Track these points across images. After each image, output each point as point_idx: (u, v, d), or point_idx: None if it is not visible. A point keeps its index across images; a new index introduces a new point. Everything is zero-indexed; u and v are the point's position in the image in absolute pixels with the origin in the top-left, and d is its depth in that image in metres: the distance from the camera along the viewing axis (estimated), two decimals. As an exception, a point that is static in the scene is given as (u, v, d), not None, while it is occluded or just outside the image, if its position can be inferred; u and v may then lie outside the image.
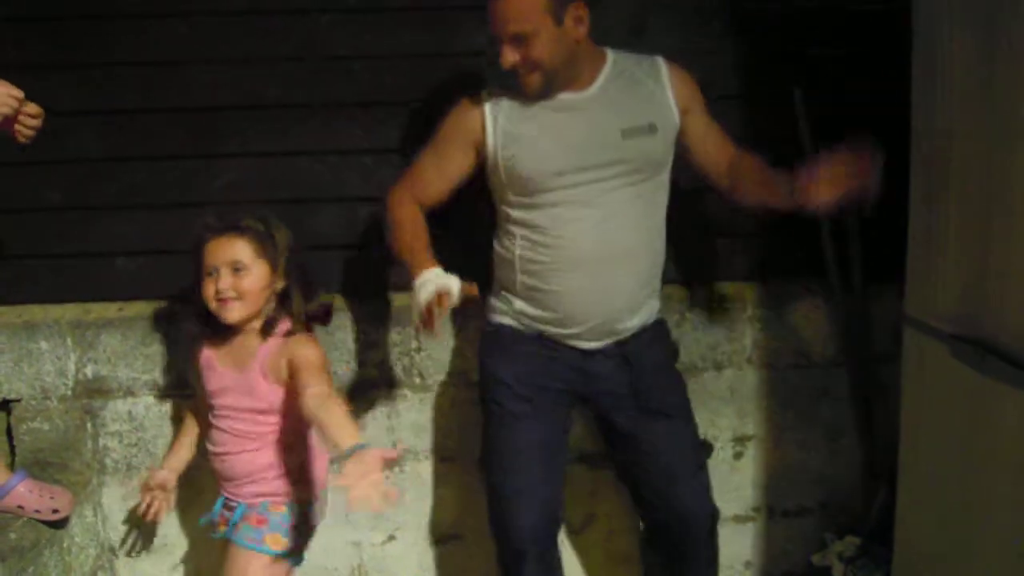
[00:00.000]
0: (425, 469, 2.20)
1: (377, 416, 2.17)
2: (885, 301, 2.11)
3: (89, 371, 2.11)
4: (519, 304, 1.78)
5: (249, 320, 1.75)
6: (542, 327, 1.77)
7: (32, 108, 1.60)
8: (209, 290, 1.71)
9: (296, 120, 2.11)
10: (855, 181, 1.54)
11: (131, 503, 2.18)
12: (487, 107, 1.72)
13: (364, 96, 2.10)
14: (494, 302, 1.85)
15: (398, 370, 2.15)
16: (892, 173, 1.90)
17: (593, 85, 1.70)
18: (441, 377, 2.16)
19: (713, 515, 1.85)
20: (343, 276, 2.17)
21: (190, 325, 1.87)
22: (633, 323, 1.77)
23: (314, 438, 1.79)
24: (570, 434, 1.90)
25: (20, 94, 1.57)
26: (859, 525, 2.19)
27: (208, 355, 1.82)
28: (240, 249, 1.71)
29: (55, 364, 2.11)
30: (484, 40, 2.08)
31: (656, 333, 1.85)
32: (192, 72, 2.07)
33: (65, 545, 1.98)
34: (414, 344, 2.14)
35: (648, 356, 1.80)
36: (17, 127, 1.60)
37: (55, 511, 1.88)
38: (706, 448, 1.92)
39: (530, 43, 1.60)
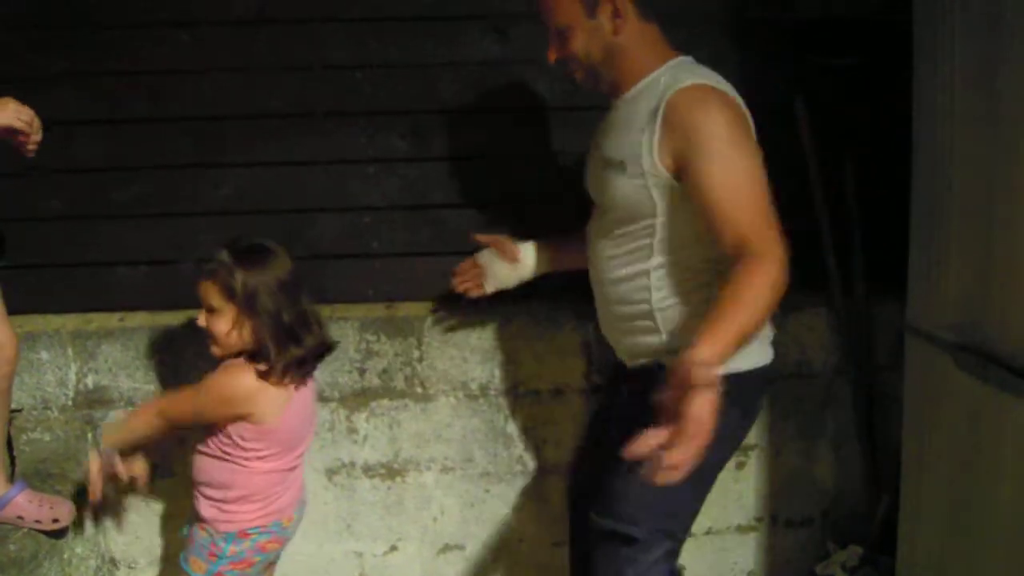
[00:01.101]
0: (427, 479, 2.19)
1: (379, 426, 2.16)
2: (887, 311, 2.11)
3: (90, 381, 2.11)
4: None
5: (225, 359, 1.72)
6: None
7: (37, 124, 1.63)
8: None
9: (299, 129, 2.11)
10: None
11: (132, 515, 2.17)
12: None
13: (367, 105, 2.10)
14: None
15: (400, 380, 2.15)
16: (895, 182, 1.92)
17: (627, 93, 1.57)
18: (443, 386, 2.15)
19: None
20: (346, 285, 2.17)
21: None
22: (634, 360, 1.67)
23: (245, 479, 1.74)
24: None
25: (29, 116, 1.61)
26: (862, 534, 2.19)
27: None
28: (211, 293, 1.67)
29: (56, 374, 2.10)
30: (486, 49, 2.11)
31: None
32: (195, 81, 2.08)
33: (65, 556, 1.97)
34: (416, 354, 2.14)
35: (638, 406, 1.44)
36: (27, 145, 1.65)
37: (55, 521, 1.87)
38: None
39: (567, 37, 1.55)
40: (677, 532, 1.63)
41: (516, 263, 1.89)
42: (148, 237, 2.12)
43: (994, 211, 1.56)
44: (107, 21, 2.04)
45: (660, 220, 1.52)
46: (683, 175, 1.45)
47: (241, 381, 1.68)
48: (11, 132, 1.63)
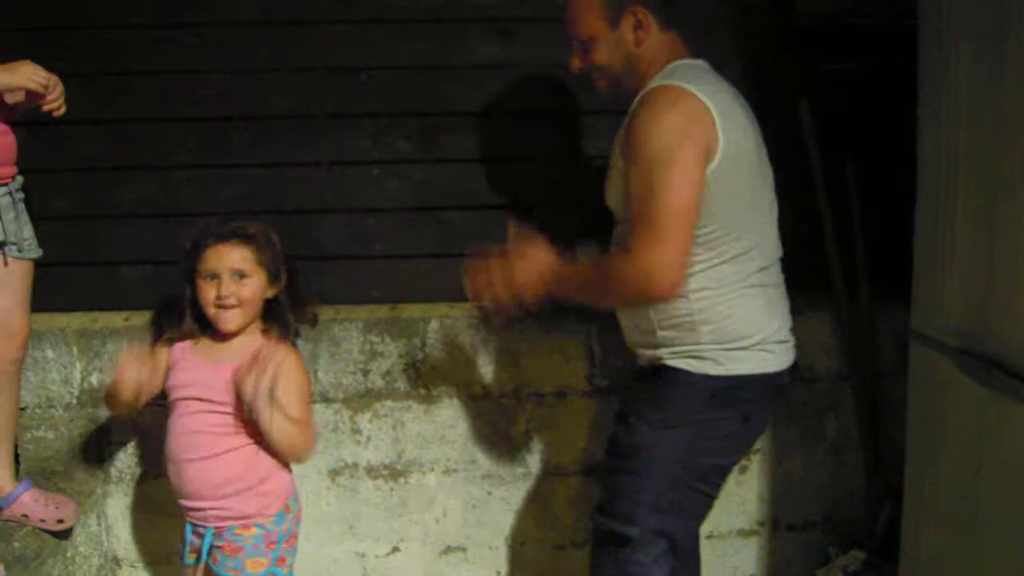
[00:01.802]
0: (430, 480, 2.20)
1: (382, 427, 2.17)
2: (891, 315, 2.11)
3: (95, 380, 2.11)
4: None
5: (243, 329, 1.73)
6: None
7: (54, 82, 1.66)
8: (209, 295, 1.69)
9: (304, 131, 2.12)
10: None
11: (136, 513, 2.17)
12: None
13: (372, 107, 2.11)
14: None
15: (403, 381, 2.15)
16: (899, 187, 1.92)
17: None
18: (446, 388, 2.16)
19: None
20: (350, 286, 2.17)
21: (173, 331, 1.78)
22: (644, 357, 1.68)
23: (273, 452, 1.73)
24: (581, 445, 1.90)
25: (43, 77, 1.62)
26: (864, 539, 2.19)
27: (182, 350, 1.76)
28: (242, 257, 1.69)
29: (60, 373, 2.11)
30: (490, 51, 2.11)
31: (660, 397, 1.60)
32: (200, 82, 2.09)
33: (69, 555, 1.98)
34: (420, 355, 2.14)
35: (658, 384, 1.61)
36: (46, 106, 1.67)
37: (60, 521, 1.88)
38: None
39: (590, 48, 1.58)
40: (674, 533, 1.61)
41: None
42: (153, 237, 2.13)
43: (998, 216, 1.55)
44: (112, 22, 2.06)
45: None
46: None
47: (300, 358, 1.77)
48: (29, 96, 1.63)
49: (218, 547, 1.71)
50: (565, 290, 1.55)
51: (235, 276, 1.68)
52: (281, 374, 1.66)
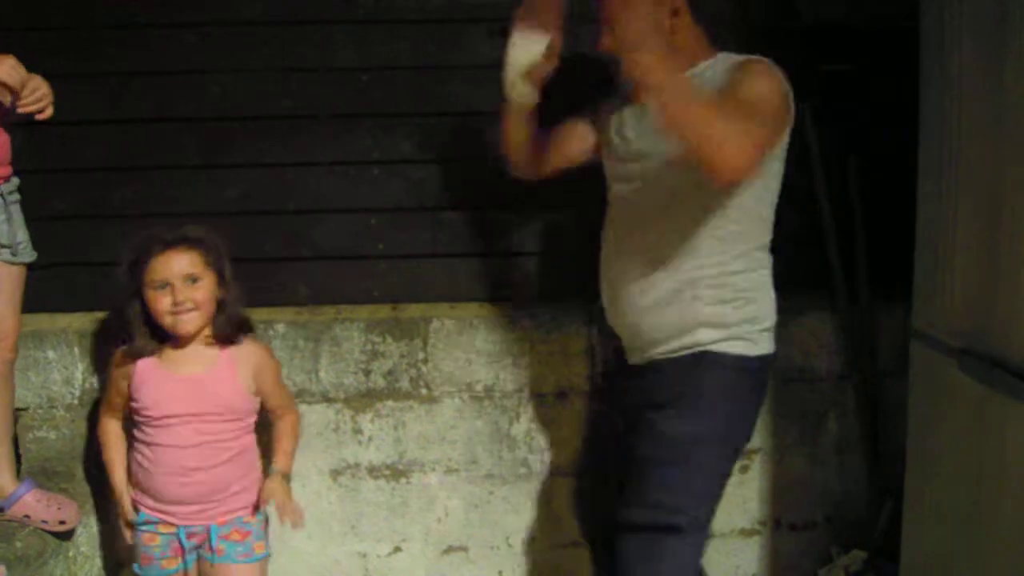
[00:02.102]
0: (431, 480, 2.20)
1: (384, 427, 2.17)
2: (892, 315, 2.11)
3: (96, 380, 2.11)
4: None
5: (200, 331, 1.76)
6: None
7: (31, 87, 1.63)
8: (162, 303, 1.69)
9: (305, 131, 2.11)
10: None
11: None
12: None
13: (373, 107, 2.11)
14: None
15: (405, 381, 2.15)
16: (900, 187, 1.92)
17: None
18: (448, 388, 2.16)
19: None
20: (351, 286, 2.17)
21: (130, 348, 1.78)
22: (657, 349, 1.65)
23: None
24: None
25: (19, 77, 1.59)
26: (866, 539, 2.19)
27: (149, 369, 1.77)
28: (191, 261, 1.71)
29: (62, 373, 2.11)
30: (491, 52, 2.11)
31: (698, 362, 1.62)
32: (202, 82, 2.08)
33: (71, 555, 1.98)
34: (421, 355, 2.14)
35: (680, 376, 1.63)
36: (15, 104, 1.64)
37: (62, 522, 1.88)
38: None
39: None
40: (710, 519, 1.65)
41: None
42: (155, 237, 2.13)
43: (999, 216, 1.55)
44: (112, 21, 2.05)
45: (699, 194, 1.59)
46: None
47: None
48: (12, 95, 1.62)
49: (224, 537, 1.77)
50: (660, 67, 1.40)
51: (187, 281, 1.70)
52: (264, 369, 1.82)
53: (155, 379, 1.76)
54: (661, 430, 1.62)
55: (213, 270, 1.75)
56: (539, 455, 2.19)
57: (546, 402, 2.16)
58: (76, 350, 2.10)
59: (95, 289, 2.14)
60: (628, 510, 1.62)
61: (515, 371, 2.15)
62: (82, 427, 2.12)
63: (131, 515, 1.82)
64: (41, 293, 2.12)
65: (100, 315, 2.14)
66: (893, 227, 1.97)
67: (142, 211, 2.12)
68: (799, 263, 2.17)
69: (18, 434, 2.11)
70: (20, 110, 1.66)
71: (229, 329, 1.78)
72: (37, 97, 1.64)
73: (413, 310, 2.16)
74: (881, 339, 2.16)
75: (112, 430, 1.88)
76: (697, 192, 1.55)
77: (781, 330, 2.16)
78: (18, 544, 1.82)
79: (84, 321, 2.12)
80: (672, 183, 1.59)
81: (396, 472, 2.19)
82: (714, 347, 1.61)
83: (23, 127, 1.78)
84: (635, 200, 1.66)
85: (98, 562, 2.11)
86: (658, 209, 1.61)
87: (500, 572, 2.24)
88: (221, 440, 1.76)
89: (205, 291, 1.73)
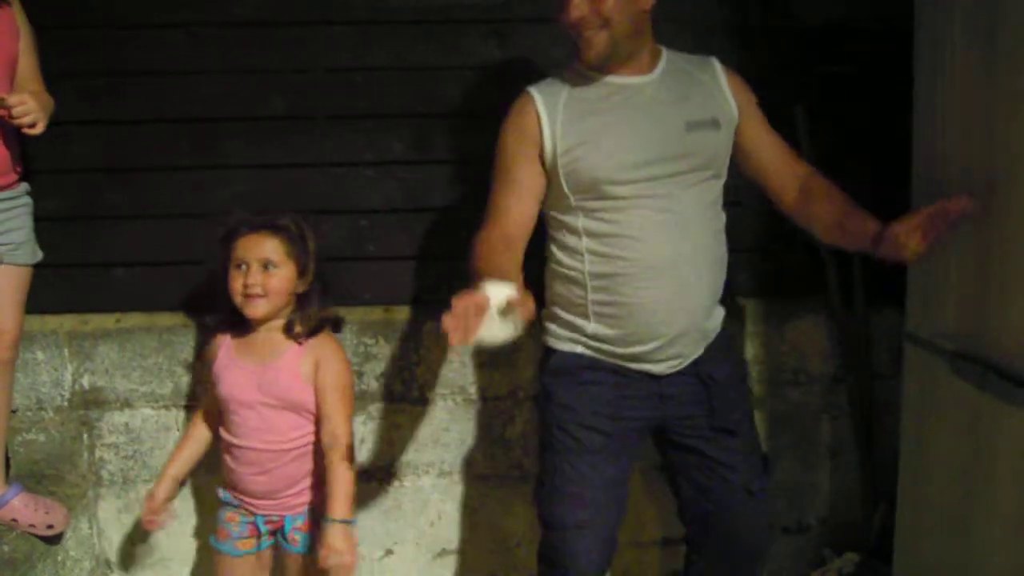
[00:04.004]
0: (424, 483, 2.19)
1: (377, 429, 2.16)
2: (886, 318, 2.12)
3: (86, 382, 2.10)
4: (592, 327, 1.62)
5: (271, 317, 1.77)
6: (618, 349, 1.62)
7: (19, 99, 1.62)
8: (237, 283, 1.73)
9: (299, 132, 2.10)
10: (946, 226, 1.48)
11: (127, 516, 2.16)
12: (541, 107, 1.58)
13: (367, 108, 2.10)
14: (556, 328, 1.68)
15: (398, 383, 2.14)
16: (895, 191, 1.92)
17: (654, 71, 1.61)
18: (441, 390, 2.15)
19: (769, 539, 1.76)
20: (344, 288, 2.16)
21: (209, 318, 1.87)
22: (707, 329, 1.66)
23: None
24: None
25: None
26: (859, 542, 2.19)
27: (226, 353, 1.81)
28: (272, 247, 1.73)
29: (51, 375, 2.09)
30: (486, 53, 2.11)
31: (723, 345, 1.71)
32: (195, 83, 2.07)
33: (59, 558, 1.97)
34: (414, 358, 2.13)
35: (720, 373, 1.67)
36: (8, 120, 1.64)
37: (50, 527, 1.87)
38: (768, 463, 1.80)
39: None
40: None
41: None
42: (145, 238, 2.11)
43: (993, 220, 1.56)
44: (105, 21, 2.04)
45: (725, 173, 1.65)
46: (741, 121, 1.65)
47: (340, 346, 1.84)
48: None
49: (298, 528, 1.80)
50: None
51: (263, 266, 1.72)
52: (323, 365, 1.75)
53: (228, 364, 1.79)
54: (740, 404, 1.72)
55: (293, 261, 1.75)
56: (532, 458, 2.18)
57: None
58: (66, 351, 2.08)
59: (85, 290, 2.13)
60: (761, 483, 1.71)
61: (508, 373, 2.14)
62: (72, 429, 2.10)
63: (157, 500, 1.85)
64: (31, 294, 2.10)
65: (91, 317, 2.12)
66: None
67: (134, 212, 2.10)
68: (794, 266, 2.18)
69: (7, 436, 2.09)
70: (13, 123, 1.67)
71: (301, 326, 1.77)
72: (22, 112, 1.63)
73: (406, 312, 2.15)
74: (875, 342, 2.17)
75: (194, 424, 1.93)
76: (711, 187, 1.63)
77: (775, 333, 2.18)
78: (5, 548, 1.81)
79: (74, 322, 2.11)
80: (691, 181, 1.60)
81: (389, 475, 2.18)
82: (720, 318, 1.71)
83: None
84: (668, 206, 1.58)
85: (87, 565, 2.09)
86: (692, 201, 1.60)
87: (493, 575, 2.24)
88: (286, 434, 1.75)
89: (280, 280, 1.73)
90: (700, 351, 1.66)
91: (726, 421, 1.67)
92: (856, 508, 2.22)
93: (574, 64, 1.63)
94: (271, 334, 1.78)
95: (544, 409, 1.70)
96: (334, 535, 1.67)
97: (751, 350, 2.18)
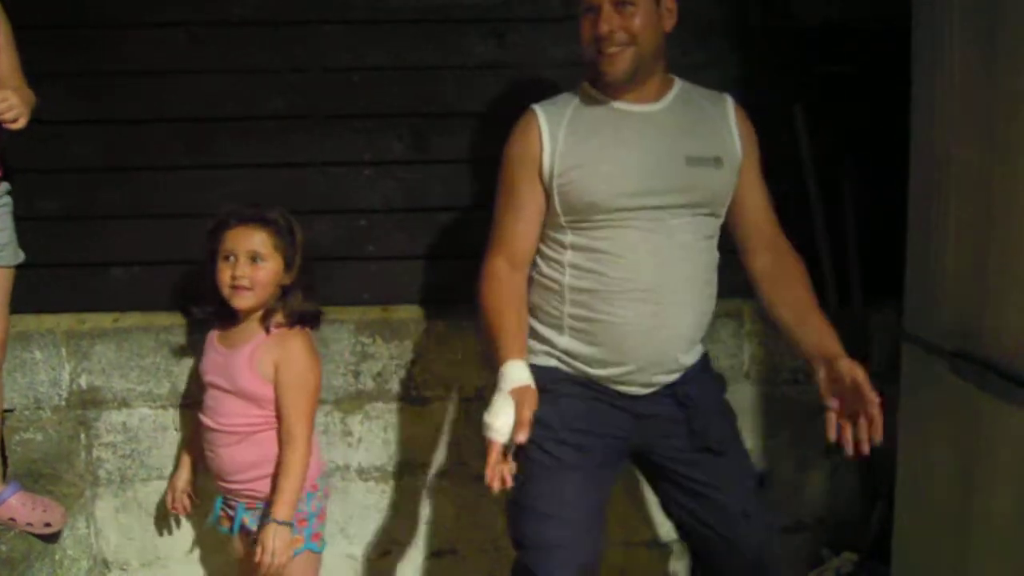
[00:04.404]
0: (422, 483, 2.19)
1: (374, 429, 2.16)
2: (884, 318, 2.12)
3: (83, 381, 2.10)
4: (565, 341, 1.59)
5: (257, 309, 1.80)
6: (590, 369, 1.59)
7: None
8: (225, 274, 1.75)
9: (296, 131, 2.10)
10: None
11: (124, 515, 2.16)
12: (544, 125, 1.57)
13: (365, 108, 2.10)
14: (532, 343, 1.63)
15: (395, 383, 2.14)
16: (892, 190, 1.92)
17: (662, 100, 1.58)
18: (438, 391, 2.15)
19: (778, 557, 1.68)
20: (342, 287, 2.16)
21: (196, 309, 1.89)
22: (683, 364, 1.61)
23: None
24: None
25: None
26: (857, 541, 2.19)
27: (211, 338, 1.87)
28: (260, 240, 1.76)
29: (49, 374, 2.09)
30: (484, 53, 2.11)
31: (704, 367, 1.69)
32: (192, 82, 2.07)
33: (57, 557, 1.96)
34: (411, 357, 2.13)
35: (700, 395, 1.63)
36: None
37: (47, 525, 1.86)
38: (763, 481, 1.77)
39: (634, 12, 1.48)
40: None
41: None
42: (143, 238, 2.11)
43: (991, 219, 1.56)
44: (103, 21, 2.04)
45: (723, 213, 1.63)
46: (743, 169, 1.62)
47: (310, 343, 1.83)
48: None
49: (255, 529, 1.79)
50: None
51: (251, 258, 1.74)
52: (283, 364, 1.76)
53: (209, 348, 1.86)
54: (724, 425, 1.67)
55: (280, 254, 1.77)
56: (530, 457, 2.18)
57: (537, 404, 2.16)
58: (63, 351, 2.08)
59: (83, 289, 2.13)
60: (768, 534, 1.66)
61: (506, 373, 2.14)
62: (69, 429, 2.10)
63: (178, 486, 2.01)
64: (28, 293, 2.10)
65: (88, 316, 2.12)
66: (885, 230, 1.98)
67: (130, 211, 2.10)
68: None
69: (4, 436, 2.09)
70: None
71: (281, 317, 1.80)
72: (5, 108, 1.62)
73: (403, 312, 2.15)
74: (873, 341, 2.16)
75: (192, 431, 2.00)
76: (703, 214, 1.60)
77: (772, 333, 2.17)
78: (3, 547, 1.80)
79: (71, 322, 2.11)
80: (685, 215, 1.57)
81: (386, 474, 2.18)
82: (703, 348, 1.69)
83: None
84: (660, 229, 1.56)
85: (84, 564, 2.09)
86: (684, 234, 1.57)
87: (490, 575, 2.23)
88: (237, 420, 1.77)
89: (267, 272, 1.76)
90: (676, 376, 1.62)
91: (710, 441, 1.62)
92: (854, 507, 2.22)
93: (582, 84, 1.62)
94: (250, 323, 1.81)
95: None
96: (269, 535, 1.69)
97: (749, 350, 2.18)
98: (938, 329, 1.76)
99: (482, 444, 2.16)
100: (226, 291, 1.76)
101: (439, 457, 2.18)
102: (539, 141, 1.56)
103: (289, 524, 1.72)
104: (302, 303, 1.81)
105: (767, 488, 1.75)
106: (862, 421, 1.39)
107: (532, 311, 1.65)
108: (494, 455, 1.39)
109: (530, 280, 1.64)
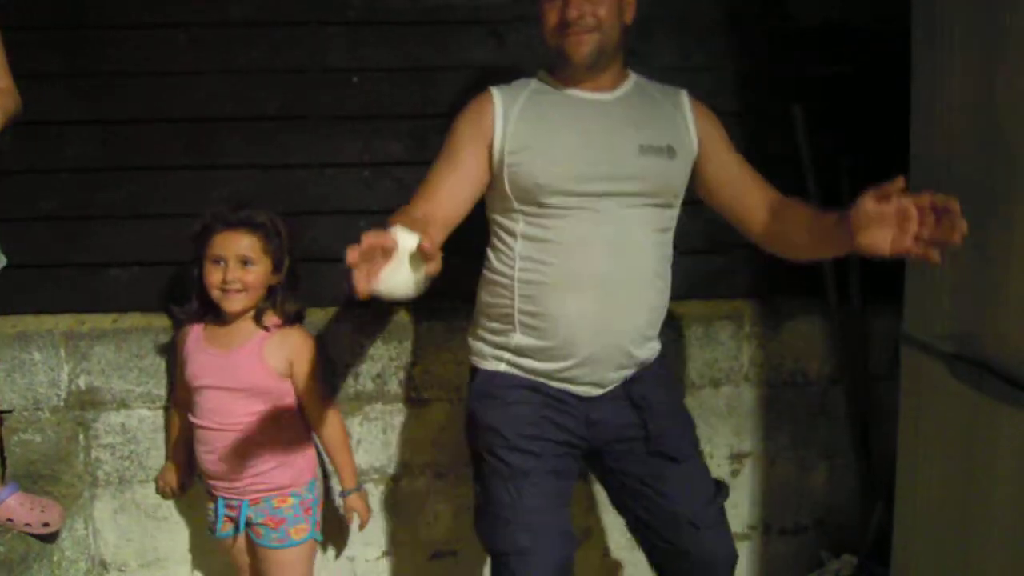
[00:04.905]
0: (420, 484, 2.18)
1: (373, 430, 2.15)
2: (883, 319, 2.11)
3: (82, 382, 2.10)
4: (516, 338, 1.59)
5: (247, 311, 1.82)
6: (541, 364, 1.59)
7: None
8: (215, 278, 1.77)
9: (295, 132, 2.10)
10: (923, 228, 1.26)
11: (123, 516, 2.16)
12: (498, 105, 1.59)
13: (363, 109, 2.10)
14: (482, 346, 1.67)
15: (394, 384, 2.14)
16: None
17: (616, 90, 1.62)
18: (437, 392, 2.15)
19: (735, 561, 1.68)
20: (341, 288, 2.16)
21: (179, 310, 1.90)
22: (636, 359, 1.61)
23: (301, 420, 1.89)
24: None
25: None
26: (856, 544, 2.19)
27: (195, 340, 1.87)
28: (249, 244, 1.78)
29: (48, 375, 2.09)
30: (482, 54, 2.11)
31: (660, 371, 1.69)
32: (191, 83, 2.07)
33: (55, 559, 1.96)
34: (410, 358, 2.13)
35: (656, 397, 1.64)
36: None
37: (45, 524, 1.87)
38: (722, 490, 1.71)
39: (600, 0, 1.53)
40: None
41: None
42: (142, 238, 2.11)
43: (990, 221, 1.55)
44: (102, 21, 2.04)
45: (678, 208, 1.64)
46: (706, 155, 1.63)
47: (308, 332, 1.90)
48: None
49: (260, 523, 1.83)
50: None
51: (241, 262, 1.76)
52: (299, 355, 1.83)
53: (196, 350, 1.85)
54: (682, 431, 1.68)
55: (270, 257, 1.80)
56: (529, 459, 2.18)
57: (536, 406, 2.15)
58: (62, 351, 2.08)
59: (82, 290, 2.13)
60: (723, 542, 1.66)
61: (505, 374, 2.14)
62: (68, 430, 2.10)
63: (163, 483, 2.06)
64: (27, 294, 2.11)
65: (87, 317, 2.12)
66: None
67: (129, 212, 2.10)
68: (790, 267, 2.16)
69: (3, 436, 2.09)
70: None
71: (272, 315, 1.83)
72: None
73: (402, 313, 2.15)
74: (872, 343, 2.16)
75: (174, 415, 2.02)
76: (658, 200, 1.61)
77: (772, 334, 2.17)
78: (1, 548, 1.81)
79: (71, 323, 2.11)
80: (636, 205, 1.58)
81: (385, 476, 2.18)
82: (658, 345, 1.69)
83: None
84: (617, 196, 1.57)
85: (83, 565, 2.09)
86: (635, 224, 1.57)
87: (489, 577, 2.23)
88: (242, 417, 1.79)
89: (257, 275, 1.78)
90: (629, 375, 1.62)
91: (666, 447, 1.62)
92: (853, 510, 2.22)
93: (538, 72, 1.67)
94: (241, 323, 1.83)
95: (471, 434, 1.66)
96: (352, 503, 1.90)
97: (749, 351, 2.17)
98: (937, 332, 1.75)
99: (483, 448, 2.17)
100: (216, 294, 1.78)
101: (438, 458, 2.17)
102: (492, 120, 1.58)
103: (360, 488, 1.93)
104: (292, 302, 1.85)
105: (725, 496, 1.71)
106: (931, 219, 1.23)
107: (482, 311, 1.66)
108: (380, 242, 1.14)
109: (482, 281, 1.66)
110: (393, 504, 2.19)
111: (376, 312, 2.14)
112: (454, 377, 2.14)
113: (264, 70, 2.08)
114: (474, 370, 1.69)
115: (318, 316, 2.11)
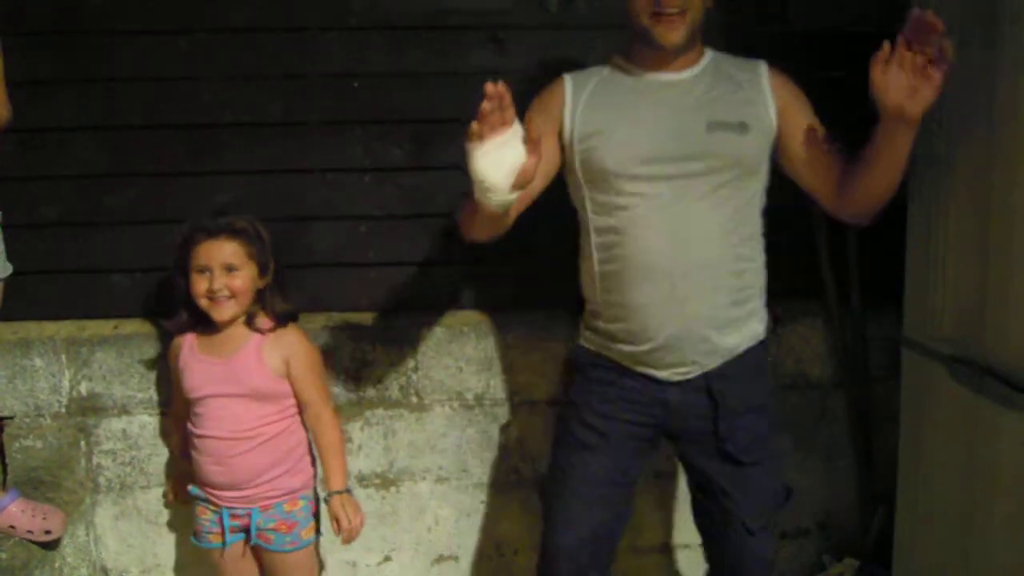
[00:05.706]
0: (422, 489, 2.18)
1: (374, 435, 2.15)
2: (883, 322, 2.12)
3: (83, 388, 2.10)
4: (602, 324, 1.64)
5: (238, 317, 1.82)
6: (622, 347, 1.61)
7: None
8: (200, 288, 1.76)
9: (296, 138, 2.10)
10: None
11: (124, 523, 2.15)
12: (569, 90, 1.61)
13: (365, 114, 2.10)
14: (583, 325, 1.73)
15: (395, 389, 2.14)
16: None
17: (691, 69, 1.60)
18: (438, 396, 2.15)
19: (770, 565, 1.72)
20: (341, 294, 2.16)
21: (168, 323, 1.89)
22: (724, 344, 1.59)
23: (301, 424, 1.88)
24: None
25: None
26: (858, 546, 2.19)
27: (189, 350, 1.85)
28: (233, 251, 1.77)
29: (49, 381, 2.09)
30: (483, 59, 2.11)
31: (752, 365, 1.64)
32: (192, 88, 2.07)
33: (56, 565, 1.96)
34: (411, 363, 2.13)
35: (735, 394, 1.61)
36: None
37: (47, 532, 1.86)
38: (790, 497, 1.73)
39: None
40: None
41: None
42: (143, 244, 2.11)
43: (990, 223, 1.56)
44: (104, 27, 2.04)
45: (763, 182, 1.61)
46: (785, 124, 1.60)
47: (304, 332, 1.90)
48: None
49: (270, 528, 1.81)
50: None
51: (226, 270, 1.76)
52: (296, 355, 1.81)
53: (192, 361, 1.83)
54: (756, 436, 1.65)
55: (254, 262, 1.80)
56: (530, 463, 2.18)
57: (537, 410, 2.16)
58: (63, 358, 2.08)
59: (83, 296, 2.13)
60: (750, 521, 1.65)
61: (506, 379, 2.14)
62: (69, 436, 2.10)
63: (171, 496, 2.07)
64: (28, 300, 2.11)
65: (89, 323, 2.12)
66: (884, 234, 1.98)
67: (131, 218, 2.10)
68: (791, 270, 2.17)
69: (4, 443, 2.09)
70: None
71: (263, 318, 1.82)
72: None
73: (404, 318, 2.15)
74: (872, 346, 2.16)
75: (173, 426, 2.02)
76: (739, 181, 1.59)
77: (772, 337, 2.17)
78: (2, 555, 1.80)
79: (72, 329, 2.11)
80: (704, 183, 1.56)
81: (386, 481, 2.18)
82: (759, 330, 1.66)
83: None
84: (680, 177, 1.56)
85: (84, 572, 2.08)
86: (706, 208, 1.56)
87: (491, 581, 2.23)
88: (252, 424, 1.78)
89: (243, 281, 1.78)
90: (713, 364, 1.60)
91: (732, 448, 1.61)
92: (855, 513, 2.22)
93: (612, 57, 1.66)
94: (233, 329, 1.82)
95: (562, 404, 1.76)
96: (337, 506, 1.79)
97: (749, 355, 2.17)
98: (937, 334, 1.76)
99: (482, 451, 2.18)
100: (204, 303, 1.77)
101: (439, 463, 2.17)
102: (562, 105, 1.61)
103: (348, 491, 1.83)
104: (282, 303, 1.84)
105: (789, 503, 1.75)
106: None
107: (584, 295, 1.72)
108: (508, 98, 1.36)
109: (580, 269, 1.71)
110: (394, 509, 2.19)
111: (377, 318, 2.15)
112: (455, 382, 2.14)
113: (265, 76, 2.08)
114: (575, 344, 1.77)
115: (319, 321, 2.12)
